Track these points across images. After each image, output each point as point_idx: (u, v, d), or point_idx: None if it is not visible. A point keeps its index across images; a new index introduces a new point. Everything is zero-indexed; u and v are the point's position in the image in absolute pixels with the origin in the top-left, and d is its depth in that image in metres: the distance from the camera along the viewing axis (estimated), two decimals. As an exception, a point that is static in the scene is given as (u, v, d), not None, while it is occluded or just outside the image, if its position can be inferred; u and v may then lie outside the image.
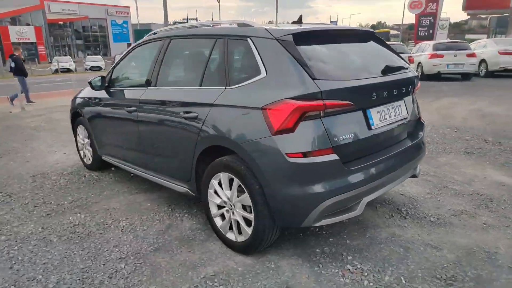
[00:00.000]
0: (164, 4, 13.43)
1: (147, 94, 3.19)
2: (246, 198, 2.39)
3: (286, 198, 2.18)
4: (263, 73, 2.31)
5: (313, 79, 2.13)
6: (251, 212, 2.41)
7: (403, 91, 2.63)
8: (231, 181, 2.50)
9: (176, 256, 2.59)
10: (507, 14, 38.47)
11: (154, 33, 3.50)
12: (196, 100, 2.68)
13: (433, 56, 13.13)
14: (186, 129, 2.74)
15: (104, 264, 2.49)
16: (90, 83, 3.76)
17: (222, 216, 2.68)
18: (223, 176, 2.54)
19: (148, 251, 2.65)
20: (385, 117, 2.51)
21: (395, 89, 2.52)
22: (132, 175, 4.30)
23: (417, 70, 13.78)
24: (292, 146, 2.11)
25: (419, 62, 13.97)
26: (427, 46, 14.20)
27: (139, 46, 3.61)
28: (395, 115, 2.61)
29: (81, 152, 4.65)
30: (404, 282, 2.21)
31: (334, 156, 2.14)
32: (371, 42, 2.84)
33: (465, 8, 30.92)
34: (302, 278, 2.29)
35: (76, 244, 2.78)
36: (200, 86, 2.74)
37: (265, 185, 2.23)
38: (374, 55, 2.70)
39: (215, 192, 2.66)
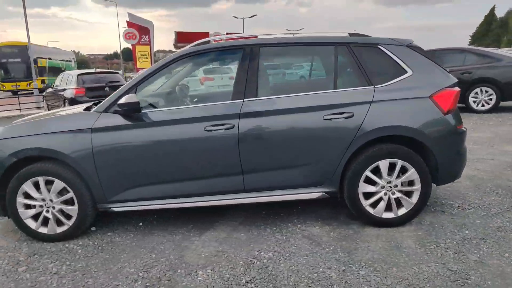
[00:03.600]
0: None
1: (250, 106, 2.85)
2: (411, 174, 2.91)
3: (455, 159, 2.96)
4: (409, 72, 2.93)
5: (448, 72, 3.01)
6: (411, 185, 2.94)
7: None
8: (391, 166, 2.91)
9: (379, 244, 2.71)
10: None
11: (206, 42, 3.07)
12: (343, 101, 2.85)
13: None
14: (335, 130, 2.84)
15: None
16: (130, 104, 2.75)
17: (374, 203, 2.98)
18: (383, 163, 2.89)
19: (345, 261, 2.61)
20: None
21: None
22: (141, 223, 3.31)
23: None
24: (457, 120, 2.92)
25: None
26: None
27: (184, 58, 3.02)
28: None
29: (29, 221, 3.00)
30: None
31: None
32: None
33: (177, 42, 35.81)
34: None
35: None
36: (335, 89, 2.92)
37: (439, 154, 2.87)
38: None
39: (367, 182, 2.94)
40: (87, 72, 10.90)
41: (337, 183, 2.97)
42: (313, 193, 2.98)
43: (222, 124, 2.84)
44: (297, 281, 2.36)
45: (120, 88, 3.03)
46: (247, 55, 2.96)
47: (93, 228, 3.24)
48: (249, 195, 2.98)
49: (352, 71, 2.97)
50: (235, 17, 34.14)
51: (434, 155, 2.89)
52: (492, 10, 77.93)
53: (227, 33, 36.20)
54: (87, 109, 3.25)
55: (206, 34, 37.86)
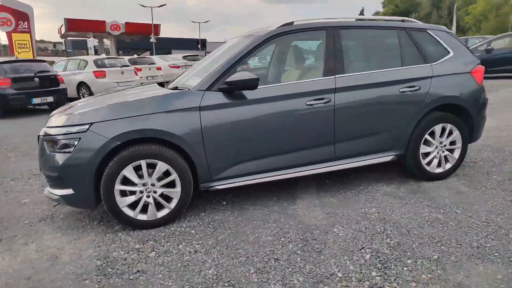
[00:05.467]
0: None
1: (342, 82, 3.18)
2: (456, 136, 3.62)
3: (482, 122, 3.77)
4: (451, 53, 3.62)
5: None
6: (453, 144, 3.67)
7: None
8: (442, 129, 3.58)
9: (446, 192, 3.33)
10: (84, 38, 43.42)
11: (290, 23, 3.26)
12: (412, 76, 3.38)
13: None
14: (408, 101, 3.37)
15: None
16: (247, 81, 2.80)
17: (430, 161, 3.62)
18: (437, 127, 3.54)
19: (436, 206, 3.19)
20: None
21: None
22: (224, 202, 3.37)
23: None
24: (484, 91, 3.72)
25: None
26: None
27: (274, 38, 3.17)
28: None
29: (126, 209, 2.82)
30: None
31: None
32: None
33: (67, 30, 32.14)
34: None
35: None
36: (402, 66, 3.43)
37: (475, 118, 3.63)
38: None
39: (425, 143, 3.56)
40: (8, 61, 9.40)
41: (405, 147, 3.51)
42: (387, 157, 3.48)
43: (322, 99, 3.11)
44: (419, 224, 2.82)
45: (217, 68, 3.01)
46: (331, 35, 3.26)
47: (180, 211, 3.17)
48: (339, 162, 3.32)
49: (412, 51, 3.52)
50: (143, 5, 32.27)
51: (472, 119, 3.66)
52: (362, 12, 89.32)
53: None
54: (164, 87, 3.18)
55: (102, 23, 35.04)
